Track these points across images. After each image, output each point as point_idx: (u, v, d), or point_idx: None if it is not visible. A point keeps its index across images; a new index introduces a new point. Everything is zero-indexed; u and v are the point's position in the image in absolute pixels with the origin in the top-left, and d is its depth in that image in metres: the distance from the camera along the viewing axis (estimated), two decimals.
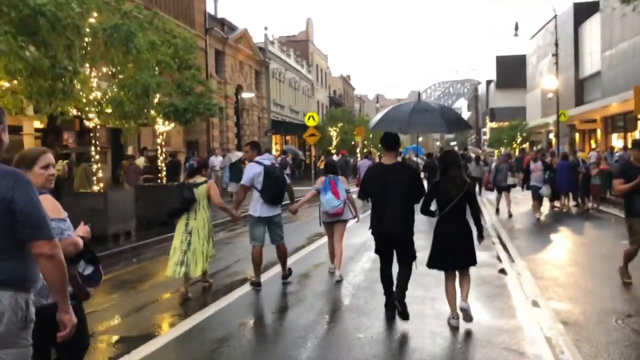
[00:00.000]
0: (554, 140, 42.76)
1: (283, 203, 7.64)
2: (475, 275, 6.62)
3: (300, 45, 51.22)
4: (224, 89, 31.23)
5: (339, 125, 40.96)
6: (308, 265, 9.39)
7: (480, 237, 5.78)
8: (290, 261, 8.47)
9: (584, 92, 41.37)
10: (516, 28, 27.57)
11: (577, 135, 41.33)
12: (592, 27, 38.49)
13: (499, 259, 9.43)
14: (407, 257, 5.81)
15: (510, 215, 15.05)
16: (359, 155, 36.62)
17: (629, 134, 34.04)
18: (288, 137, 42.97)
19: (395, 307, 5.73)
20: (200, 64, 27.35)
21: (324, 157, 27.36)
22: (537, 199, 14.89)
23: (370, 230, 5.97)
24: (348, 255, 9.24)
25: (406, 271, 5.80)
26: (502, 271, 8.37)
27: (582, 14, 40.56)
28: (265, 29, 39.82)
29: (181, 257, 6.91)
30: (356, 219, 8.20)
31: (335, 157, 23.73)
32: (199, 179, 7.20)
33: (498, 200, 16.15)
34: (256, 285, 7.44)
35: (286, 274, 7.90)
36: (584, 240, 12.38)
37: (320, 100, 56.35)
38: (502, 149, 46.13)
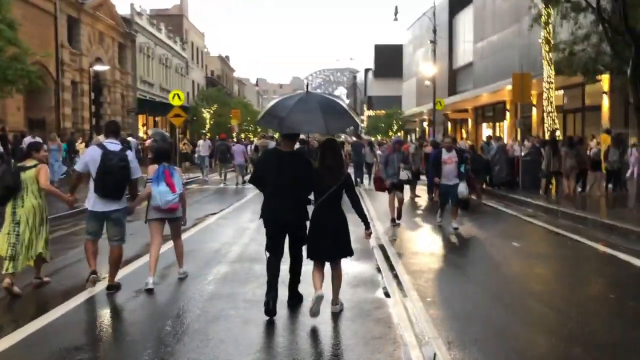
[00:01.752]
0: (427, 129, 43.72)
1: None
2: (350, 301, 5.98)
3: (173, 20, 47.79)
4: (78, 61, 27.64)
5: (213, 107, 38.50)
6: (159, 270, 7.46)
7: (367, 228, 5.65)
8: (134, 266, 7.46)
9: (456, 82, 42.53)
10: (396, 12, 27.06)
11: (449, 124, 42.44)
12: (466, 19, 39.45)
13: (378, 269, 7.65)
14: (299, 243, 5.76)
15: (393, 221, 11.32)
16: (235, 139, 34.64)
17: (497, 124, 35.40)
18: (158, 119, 39.69)
19: (269, 307, 5.48)
20: (47, 30, 23.91)
21: (260, 138, 24.39)
22: (445, 202, 11.00)
23: (261, 218, 5.76)
24: (193, 270, 7.32)
25: (299, 260, 5.82)
26: (386, 294, 6.50)
27: (456, 5, 41.48)
28: None
29: (10, 251, 6.43)
30: (183, 222, 7.15)
31: (270, 142, 20.31)
32: (30, 162, 6.64)
33: (392, 203, 11.46)
34: (93, 275, 6.45)
35: (113, 285, 6.59)
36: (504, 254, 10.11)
37: (196, 80, 53.33)
38: (380, 137, 46.43)
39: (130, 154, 6.43)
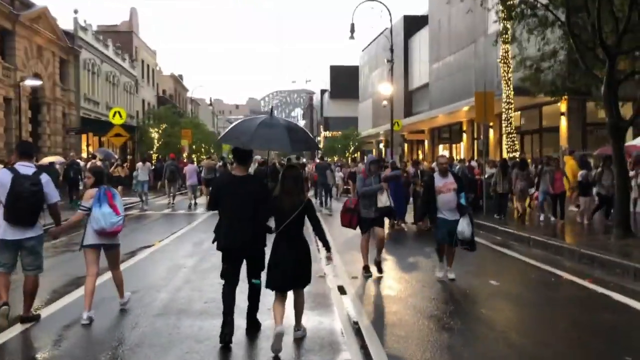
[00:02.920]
0: (384, 150, 43.16)
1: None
2: None
3: (122, 37, 45.84)
4: (12, 76, 25.60)
5: (162, 126, 36.72)
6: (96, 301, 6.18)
7: (328, 251, 5.59)
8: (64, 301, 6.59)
9: (412, 103, 42.25)
10: (352, 30, 26.15)
11: (406, 145, 41.98)
12: (421, 40, 39.30)
13: (341, 332, 6.07)
14: (257, 270, 5.68)
15: (367, 269, 8.41)
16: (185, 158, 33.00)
17: (454, 145, 35.06)
18: (104, 139, 37.53)
19: (227, 336, 5.33)
20: None
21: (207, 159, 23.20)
22: (444, 243, 8.10)
23: (215, 245, 5.63)
24: (97, 333, 5.84)
25: (257, 288, 5.69)
26: None
27: (412, 27, 41.39)
28: (75, 12, 34.04)
29: None
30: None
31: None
32: None
33: (365, 246, 8.50)
34: (4, 307, 5.83)
35: (28, 316, 6.05)
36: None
37: (147, 99, 51.34)
38: (336, 158, 45.56)
39: (45, 178, 6.03)
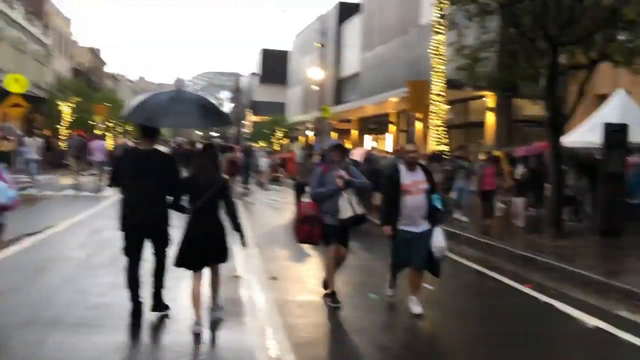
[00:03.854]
0: (312, 137, 42.40)
1: None
2: None
3: (33, 1, 42.10)
4: None
5: (72, 100, 33.97)
6: None
7: (242, 238, 5.35)
8: None
9: (342, 92, 41.67)
10: (284, 10, 24.85)
11: (333, 134, 41.42)
12: (354, 28, 38.67)
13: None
14: (162, 246, 5.41)
15: (333, 296, 6.05)
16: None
17: (380, 136, 34.77)
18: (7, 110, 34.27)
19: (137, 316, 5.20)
20: None
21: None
22: (404, 263, 6.20)
23: (119, 223, 5.28)
24: None
25: (162, 264, 5.42)
26: None
27: (345, 14, 40.65)
28: None
29: None
30: None
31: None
32: None
33: (333, 263, 6.12)
34: None
35: None
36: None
37: (60, 70, 47.66)
38: (261, 143, 44.29)
39: None
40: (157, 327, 5.20)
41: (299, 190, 14.70)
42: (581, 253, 9.23)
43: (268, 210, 15.86)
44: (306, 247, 9.72)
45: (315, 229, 5.87)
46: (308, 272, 7.80)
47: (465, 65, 11.84)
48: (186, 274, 5.33)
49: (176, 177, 5.37)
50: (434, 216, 5.91)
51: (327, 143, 6.67)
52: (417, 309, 5.81)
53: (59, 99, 34.33)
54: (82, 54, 59.91)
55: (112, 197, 15.53)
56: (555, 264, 8.26)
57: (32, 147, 18.14)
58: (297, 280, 7.26)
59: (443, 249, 5.86)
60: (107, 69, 69.06)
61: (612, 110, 13.40)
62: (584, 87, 10.44)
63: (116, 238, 5.45)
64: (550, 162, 10.44)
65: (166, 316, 5.37)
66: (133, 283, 5.25)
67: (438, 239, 5.79)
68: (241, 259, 7.95)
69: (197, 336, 4.90)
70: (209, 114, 5.47)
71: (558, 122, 10.28)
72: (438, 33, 18.49)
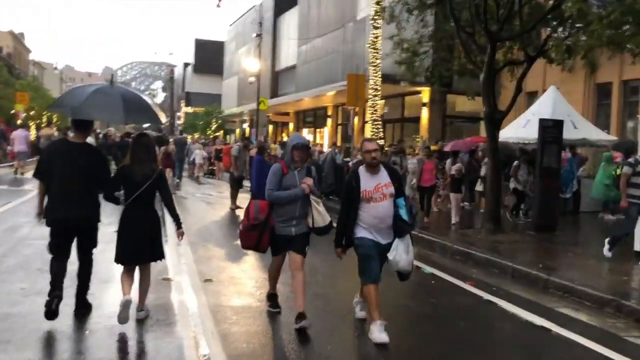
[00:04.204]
0: (247, 130, 41.73)
1: None
2: None
3: None
4: None
5: None
6: None
7: (179, 228, 5.27)
8: None
9: (279, 84, 41.16)
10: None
11: (270, 127, 40.90)
12: (290, 20, 38.22)
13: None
14: (89, 246, 5.23)
15: (274, 303, 5.70)
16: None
17: (318, 130, 34.58)
18: None
19: (51, 307, 4.83)
20: None
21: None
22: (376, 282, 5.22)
23: (46, 217, 5.04)
24: None
25: (88, 263, 5.25)
26: None
27: (282, 5, 40.10)
28: None
29: None
30: None
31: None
32: None
33: (276, 271, 5.62)
34: None
35: None
36: None
37: None
38: (197, 136, 43.10)
39: None
40: (76, 339, 4.67)
41: (235, 185, 14.24)
42: (519, 248, 9.29)
43: (202, 204, 15.26)
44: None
45: (264, 236, 5.22)
46: (244, 274, 7.38)
47: (405, 59, 11.71)
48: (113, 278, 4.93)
49: (105, 171, 5.28)
50: (400, 227, 5.06)
51: (292, 139, 5.59)
52: (382, 336, 4.85)
53: None
54: (2, 38, 56.52)
55: (32, 191, 14.51)
56: (495, 260, 8.24)
57: None
58: (232, 283, 6.79)
59: (400, 264, 5.05)
60: (33, 56, 65.34)
61: (545, 106, 13.73)
62: (521, 83, 10.53)
63: (33, 237, 4.97)
64: (488, 156, 10.47)
65: (87, 314, 5.11)
66: (58, 274, 4.97)
67: (398, 252, 5.01)
68: (172, 259, 7.45)
69: (123, 320, 4.81)
70: (133, 109, 5.29)
71: (496, 118, 10.31)
72: (376, 27, 18.39)
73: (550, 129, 10.75)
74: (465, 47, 10.43)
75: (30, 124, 35.14)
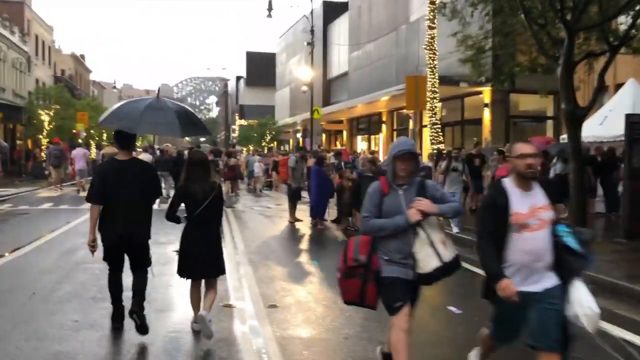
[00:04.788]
0: (301, 140, 41.51)
1: None
2: None
3: (12, 9, 40.82)
4: None
5: (53, 107, 32.82)
6: None
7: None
8: None
9: (331, 92, 40.83)
10: (270, 8, 23.99)
11: (324, 135, 40.57)
12: (341, 27, 37.87)
13: None
14: (142, 263, 5.27)
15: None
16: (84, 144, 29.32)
17: (372, 137, 33.88)
18: None
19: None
20: None
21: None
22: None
23: (99, 236, 5.11)
24: None
25: (142, 279, 5.24)
26: None
27: (331, 13, 39.88)
28: None
29: None
30: None
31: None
32: None
33: (397, 346, 3.79)
34: None
35: None
36: None
37: (42, 78, 46.40)
38: (252, 147, 43.28)
39: None
40: None
41: (293, 197, 13.78)
42: (611, 260, 8.32)
43: (261, 218, 14.86)
44: (307, 263, 8.82)
45: (368, 285, 3.74)
46: (311, 297, 6.73)
47: (470, 57, 10.93)
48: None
49: (157, 187, 5.40)
50: (567, 263, 3.50)
51: (396, 145, 3.95)
52: None
53: (38, 107, 33.16)
54: (64, 61, 58.73)
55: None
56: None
57: None
58: (300, 309, 6.12)
59: (595, 318, 3.43)
60: (93, 76, 67.78)
61: (624, 101, 12.61)
62: (603, 77, 9.56)
63: (90, 260, 4.62)
64: (571, 159, 9.52)
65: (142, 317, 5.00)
66: (115, 288, 5.22)
67: (583, 299, 3.44)
68: (233, 280, 6.97)
69: (202, 322, 4.84)
70: (184, 122, 5.35)
71: (577, 115, 9.37)
72: (431, 27, 17.63)
73: (639, 124, 9.72)
74: (538, 40, 9.55)
75: (91, 142, 36.14)
